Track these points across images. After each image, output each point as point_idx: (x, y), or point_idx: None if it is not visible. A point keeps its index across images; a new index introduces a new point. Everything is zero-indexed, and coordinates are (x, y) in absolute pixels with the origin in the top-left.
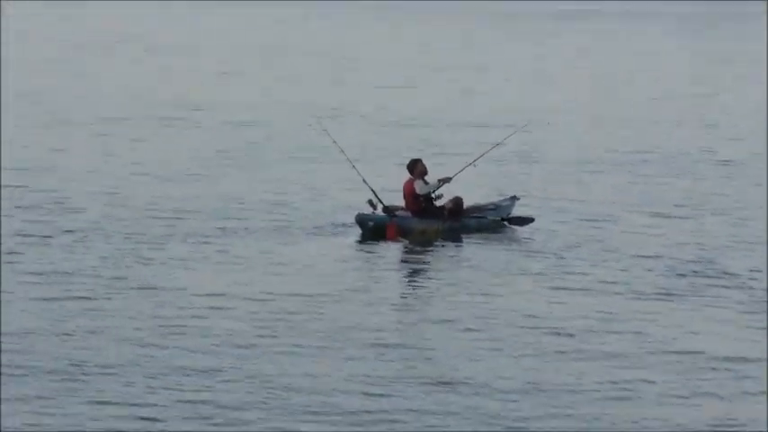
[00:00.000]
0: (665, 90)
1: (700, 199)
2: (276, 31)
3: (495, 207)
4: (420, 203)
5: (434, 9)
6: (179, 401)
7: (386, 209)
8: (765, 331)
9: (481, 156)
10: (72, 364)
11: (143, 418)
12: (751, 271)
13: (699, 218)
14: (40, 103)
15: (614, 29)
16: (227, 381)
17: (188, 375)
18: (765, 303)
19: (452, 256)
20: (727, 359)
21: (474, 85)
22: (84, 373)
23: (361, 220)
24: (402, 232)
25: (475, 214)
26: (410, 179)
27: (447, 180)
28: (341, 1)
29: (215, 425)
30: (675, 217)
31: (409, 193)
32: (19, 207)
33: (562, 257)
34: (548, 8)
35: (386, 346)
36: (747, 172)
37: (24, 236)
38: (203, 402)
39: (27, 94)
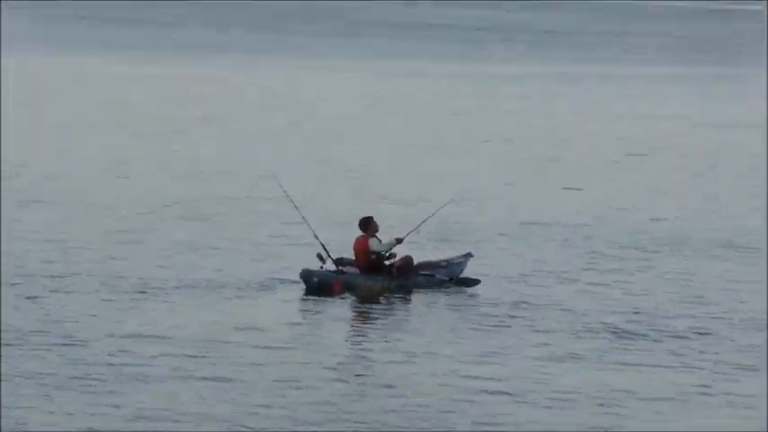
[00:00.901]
0: (610, 151)
1: (638, 256)
2: (223, 82)
3: (448, 264)
4: (371, 260)
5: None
6: None
7: (338, 260)
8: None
9: (424, 221)
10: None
11: None
12: (691, 329)
13: (638, 275)
14: None
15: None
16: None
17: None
18: (709, 362)
19: (396, 315)
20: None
21: (427, 145)
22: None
23: (306, 276)
24: (348, 288)
25: (425, 271)
26: (363, 236)
27: (400, 241)
28: (286, 56)
29: None
30: (615, 275)
31: (361, 250)
32: None
33: (506, 319)
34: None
35: (318, 402)
36: (689, 230)
37: None
38: None
39: None
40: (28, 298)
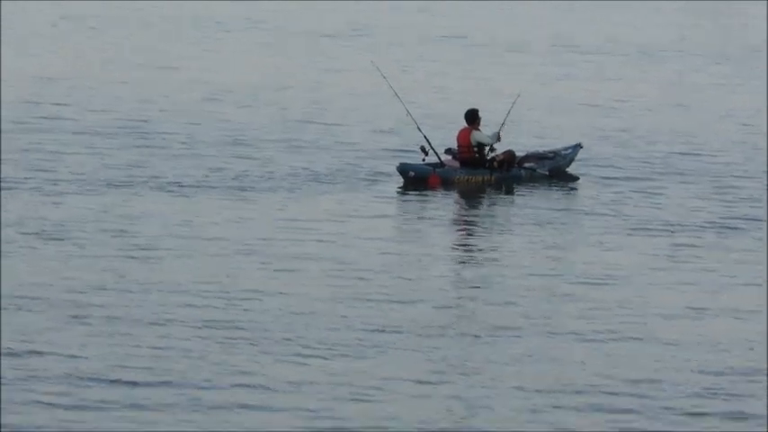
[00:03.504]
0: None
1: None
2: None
3: (555, 155)
4: (473, 153)
5: None
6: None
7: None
8: None
9: (508, 114)
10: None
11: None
12: None
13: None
14: None
15: None
16: (261, 341)
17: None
18: None
19: (490, 209)
20: None
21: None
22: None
23: (403, 170)
24: (444, 182)
25: (529, 164)
26: (466, 128)
27: (499, 137)
28: None
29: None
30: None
31: (465, 142)
32: None
33: (605, 213)
34: None
35: (407, 298)
36: None
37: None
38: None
39: None
40: (81, 200)
